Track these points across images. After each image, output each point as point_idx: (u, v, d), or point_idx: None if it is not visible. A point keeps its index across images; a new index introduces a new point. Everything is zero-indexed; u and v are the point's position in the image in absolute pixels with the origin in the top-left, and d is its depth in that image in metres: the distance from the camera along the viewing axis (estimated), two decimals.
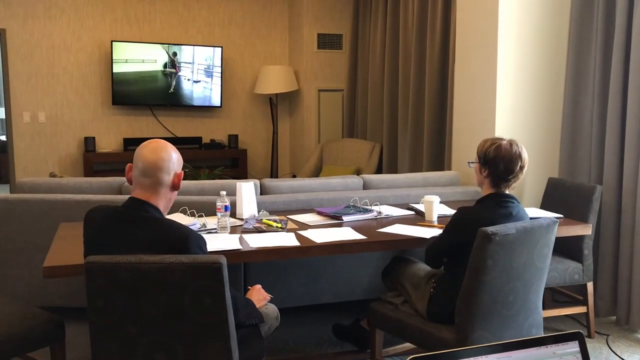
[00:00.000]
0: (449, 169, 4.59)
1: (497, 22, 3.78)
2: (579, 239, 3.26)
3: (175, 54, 6.53)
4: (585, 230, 2.99)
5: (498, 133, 3.79)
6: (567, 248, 3.32)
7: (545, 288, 2.42)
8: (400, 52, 5.45)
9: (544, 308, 2.47)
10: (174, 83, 6.60)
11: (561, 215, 3.11)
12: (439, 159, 4.93)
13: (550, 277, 3.13)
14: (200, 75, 6.71)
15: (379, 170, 5.84)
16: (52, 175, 4.25)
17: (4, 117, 7.82)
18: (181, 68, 6.62)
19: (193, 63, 6.66)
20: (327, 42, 6.65)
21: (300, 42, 6.73)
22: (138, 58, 6.44)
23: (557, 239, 2.37)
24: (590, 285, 3.30)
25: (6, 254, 3.24)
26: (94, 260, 1.71)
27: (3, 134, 9.06)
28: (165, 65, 6.54)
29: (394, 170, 5.66)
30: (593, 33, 3.63)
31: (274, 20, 7.10)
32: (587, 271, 3.27)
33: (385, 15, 5.80)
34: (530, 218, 2.36)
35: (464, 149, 4.20)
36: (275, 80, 6.64)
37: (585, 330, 3.33)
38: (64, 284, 3.27)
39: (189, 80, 6.67)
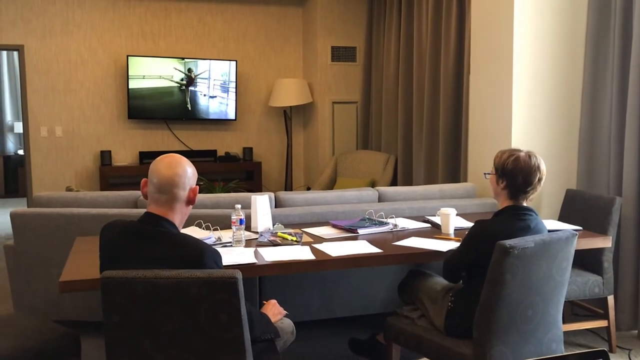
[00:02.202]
0: (465, 180, 4.55)
1: (512, 32, 3.76)
2: (599, 251, 3.21)
3: (190, 70, 6.58)
4: (605, 242, 2.94)
5: (514, 144, 3.76)
6: (586, 261, 3.27)
7: (564, 301, 2.38)
8: (415, 63, 5.44)
9: (563, 322, 2.43)
10: (189, 99, 6.64)
11: (580, 228, 3.07)
12: (455, 171, 4.89)
13: (569, 290, 3.08)
14: (217, 91, 6.76)
15: (393, 183, 5.81)
16: (69, 189, 4.28)
17: (21, 131, 7.92)
18: (197, 84, 6.67)
19: (209, 78, 6.71)
20: (341, 54, 6.66)
21: (314, 54, 6.75)
22: (153, 72, 6.50)
23: (576, 251, 2.33)
24: (611, 299, 3.24)
25: (23, 268, 3.26)
26: (110, 275, 1.70)
27: (21, 148, 9.18)
28: (182, 80, 6.58)
29: (409, 182, 5.63)
30: (610, 42, 3.59)
31: (287, 33, 7.14)
32: (607, 284, 3.22)
33: (399, 27, 5.80)
34: (549, 231, 2.33)
35: (480, 160, 4.16)
36: (289, 93, 6.66)
37: (607, 345, 3.26)
38: (80, 298, 3.28)
39: (205, 95, 6.72)
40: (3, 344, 2.23)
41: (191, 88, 6.65)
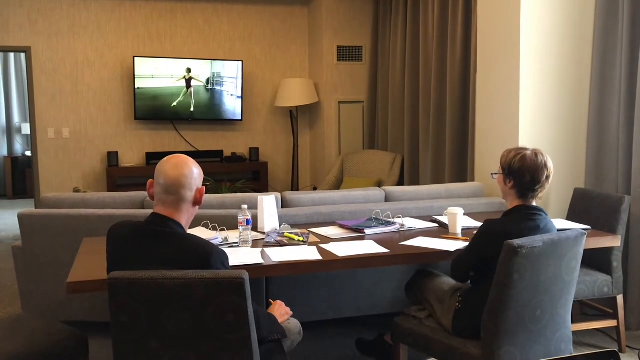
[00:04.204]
0: (472, 180, 4.54)
1: (519, 29, 3.74)
2: (608, 250, 3.18)
3: (189, 70, 6.60)
4: (614, 241, 2.92)
5: (522, 143, 3.74)
6: (595, 260, 3.25)
7: (573, 301, 2.37)
8: (421, 62, 5.42)
9: (572, 322, 2.41)
10: (192, 101, 6.67)
11: (589, 227, 3.05)
12: (462, 170, 4.87)
13: (578, 290, 3.06)
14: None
15: (400, 182, 5.80)
16: (76, 190, 4.30)
17: (29, 133, 7.95)
18: (224, 83, 6.71)
19: (237, 78, 6.76)
20: (347, 54, 6.65)
21: (320, 54, 6.74)
22: (160, 73, 6.51)
23: (585, 251, 2.31)
24: (620, 298, 3.21)
25: (31, 269, 3.27)
26: (117, 276, 1.71)
27: (28, 150, 9.22)
28: (207, 82, 6.61)
29: (415, 182, 5.62)
30: (618, 39, 3.57)
31: (293, 33, 7.14)
32: (616, 284, 3.19)
33: (405, 26, 5.79)
34: (558, 230, 2.31)
35: (487, 159, 4.15)
36: (295, 93, 6.66)
37: (616, 345, 3.24)
38: (88, 299, 3.29)
39: (232, 95, 6.76)
40: (11, 345, 2.24)
41: (217, 87, 6.70)
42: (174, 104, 6.59)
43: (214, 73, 6.70)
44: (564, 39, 3.80)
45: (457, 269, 2.42)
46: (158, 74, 6.51)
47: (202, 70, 6.64)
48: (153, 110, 6.57)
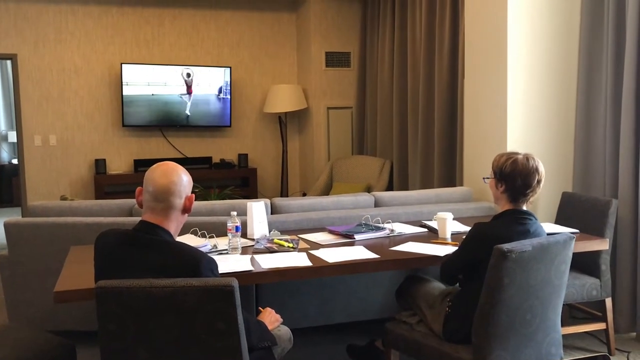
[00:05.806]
0: (461, 184, 4.55)
1: (506, 35, 3.77)
2: (596, 254, 3.20)
3: (189, 74, 6.59)
4: (602, 245, 2.94)
5: (510, 147, 3.76)
6: (583, 264, 3.26)
7: (563, 305, 2.37)
8: (409, 67, 5.44)
9: (562, 325, 2.42)
10: (189, 105, 6.65)
11: (577, 231, 3.06)
12: (451, 175, 4.89)
13: (567, 293, 3.07)
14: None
15: (389, 187, 5.81)
16: (63, 198, 4.26)
17: (15, 140, 7.89)
18: (228, 92, 6.76)
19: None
20: (335, 60, 6.66)
21: (308, 60, 6.75)
22: (147, 80, 6.48)
23: (573, 254, 2.32)
24: (608, 301, 3.23)
25: (18, 278, 3.24)
26: (105, 284, 1.69)
27: (15, 158, 9.14)
28: (220, 90, 6.59)
29: (404, 187, 5.63)
30: (604, 44, 3.60)
31: (282, 39, 7.14)
32: (605, 287, 3.21)
33: (393, 31, 5.81)
34: (547, 234, 2.32)
35: (476, 164, 4.16)
36: (284, 99, 6.66)
37: (605, 348, 3.26)
38: (76, 308, 3.25)
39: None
40: None
41: (230, 97, 6.72)
42: (183, 111, 6.59)
43: (226, 81, 6.69)
44: (551, 44, 3.83)
45: (446, 270, 2.43)
46: (145, 81, 6.47)
47: (169, 76, 6.60)
48: (141, 117, 6.54)
